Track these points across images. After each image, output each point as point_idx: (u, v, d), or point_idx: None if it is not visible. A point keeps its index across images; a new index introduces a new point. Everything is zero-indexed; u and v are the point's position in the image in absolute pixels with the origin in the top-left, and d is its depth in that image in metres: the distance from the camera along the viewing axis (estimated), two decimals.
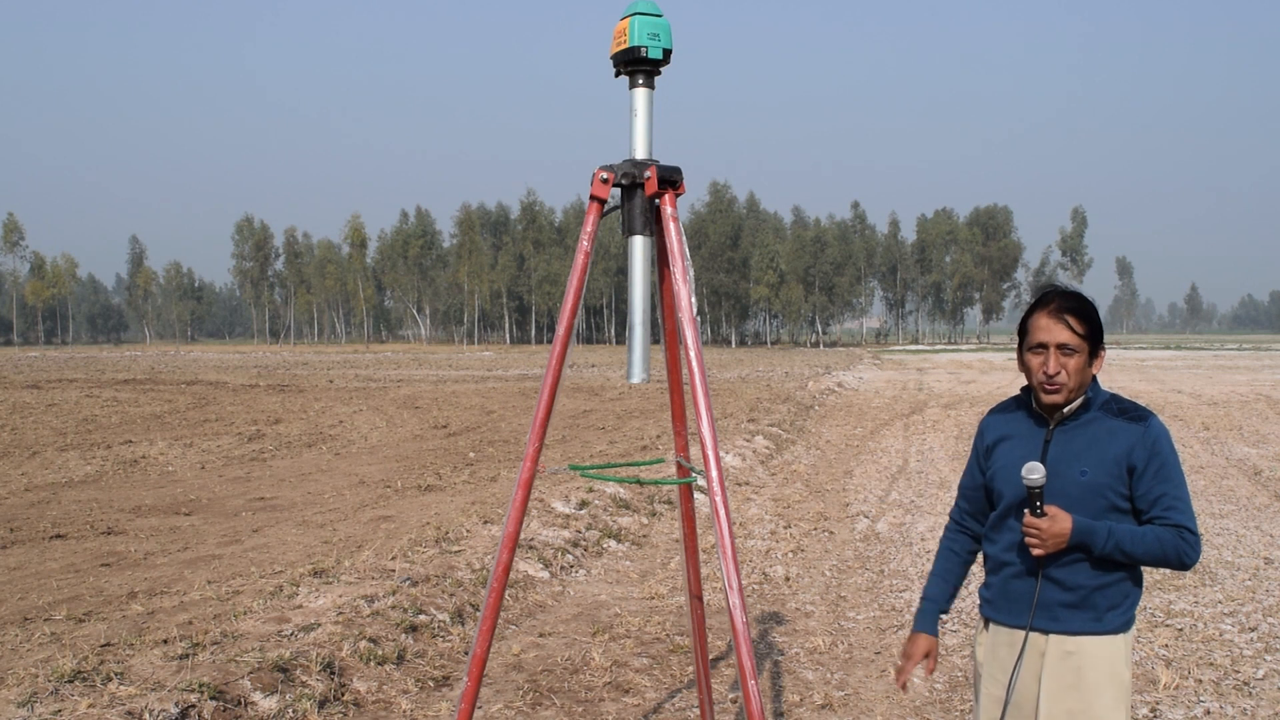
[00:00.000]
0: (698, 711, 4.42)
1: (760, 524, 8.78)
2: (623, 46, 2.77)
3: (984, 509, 2.67)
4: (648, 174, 2.79)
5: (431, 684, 4.78)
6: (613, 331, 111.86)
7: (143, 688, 4.13)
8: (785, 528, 8.59)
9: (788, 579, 6.86)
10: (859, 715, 4.46)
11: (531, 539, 7.27)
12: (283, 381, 34.48)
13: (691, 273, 2.76)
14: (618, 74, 2.87)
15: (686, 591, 3.37)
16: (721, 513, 2.59)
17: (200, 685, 4.11)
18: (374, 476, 11.96)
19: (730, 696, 4.65)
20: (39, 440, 15.95)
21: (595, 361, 53.05)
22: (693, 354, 2.69)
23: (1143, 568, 2.50)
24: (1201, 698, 4.56)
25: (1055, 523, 2.37)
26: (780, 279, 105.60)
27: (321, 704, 4.36)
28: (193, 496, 10.67)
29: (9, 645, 5.35)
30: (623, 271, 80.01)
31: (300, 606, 5.43)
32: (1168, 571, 6.75)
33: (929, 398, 24.38)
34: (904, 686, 2.73)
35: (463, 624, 5.61)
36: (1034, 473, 2.37)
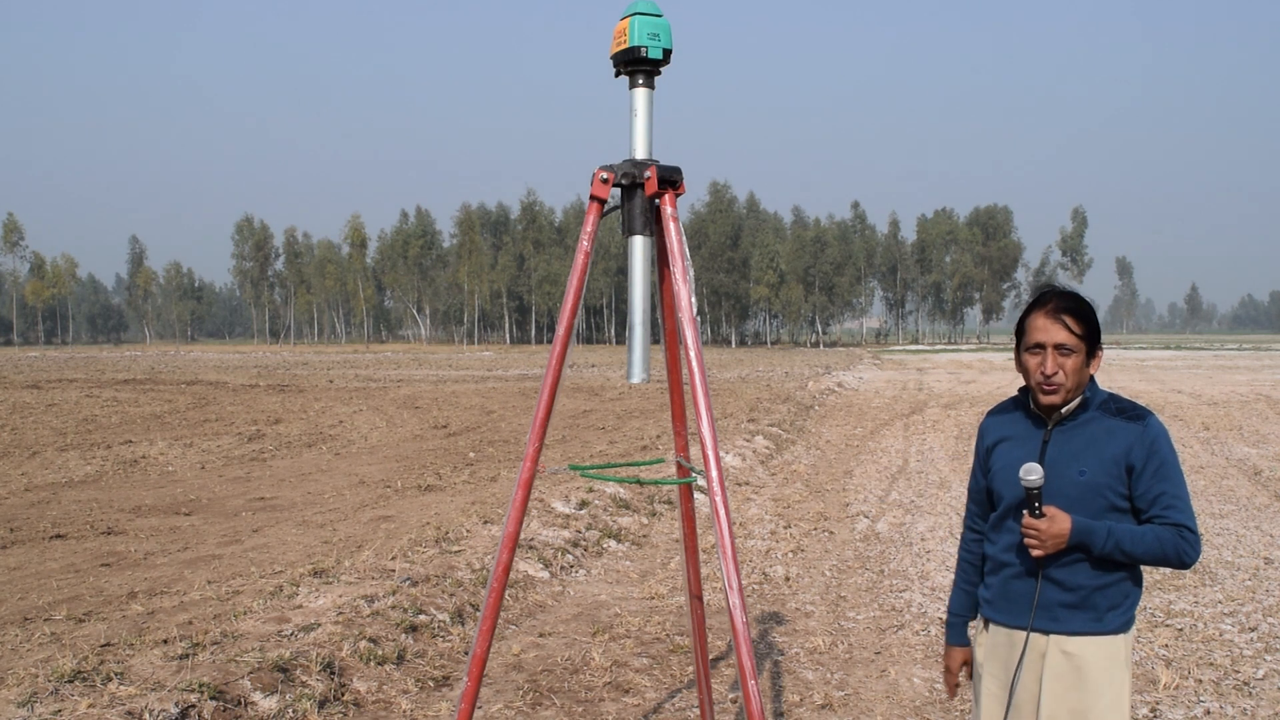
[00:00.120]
0: (698, 711, 4.42)
1: (760, 524, 8.78)
2: (623, 46, 2.77)
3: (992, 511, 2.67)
4: (648, 174, 2.79)
5: (431, 684, 4.78)
6: (613, 331, 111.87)
7: (143, 688, 4.13)
8: (785, 528, 8.59)
9: (788, 579, 6.86)
10: (859, 715, 4.46)
11: (531, 539, 7.27)
12: (283, 381, 34.48)
13: (691, 273, 2.76)
14: (618, 74, 2.87)
15: (686, 591, 3.37)
16: (721, 513, 2.59)
17: (200, 685, 4.11)
18: (374, 476, 11.96)
19: (730, 696, 4.65)
20: (39, 440, 15.95)
21: (595, 361, 53.05)
22: (693, 354, 2.69)
23: (1143, 568, 2.50)
24: (1201, 698, 4.56)
25: (1054, 523, 2.37)
26: (780, 279, 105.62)
27: (321, 704, 4.36)
28: (193, 496, 10.68)
29: (9, 645, 5.35)
30: (623, 271, 79.95)
31: (300, 606, 5.43)
32: (1168, 571, 6.75)
33: (929, 398, 24.38)
34: (954, 692, 2.83)
35: (463, 624, 5.61)
36: (1032, 473, 2.37)
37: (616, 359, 57.19)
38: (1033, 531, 2.39)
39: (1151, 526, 2.39)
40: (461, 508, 9.13)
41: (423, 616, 5.48)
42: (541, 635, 5.61)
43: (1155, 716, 4.38)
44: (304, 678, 4.48)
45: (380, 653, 4.89)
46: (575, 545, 7.52)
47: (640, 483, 3.22)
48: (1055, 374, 2.41)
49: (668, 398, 3.22)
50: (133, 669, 4.39)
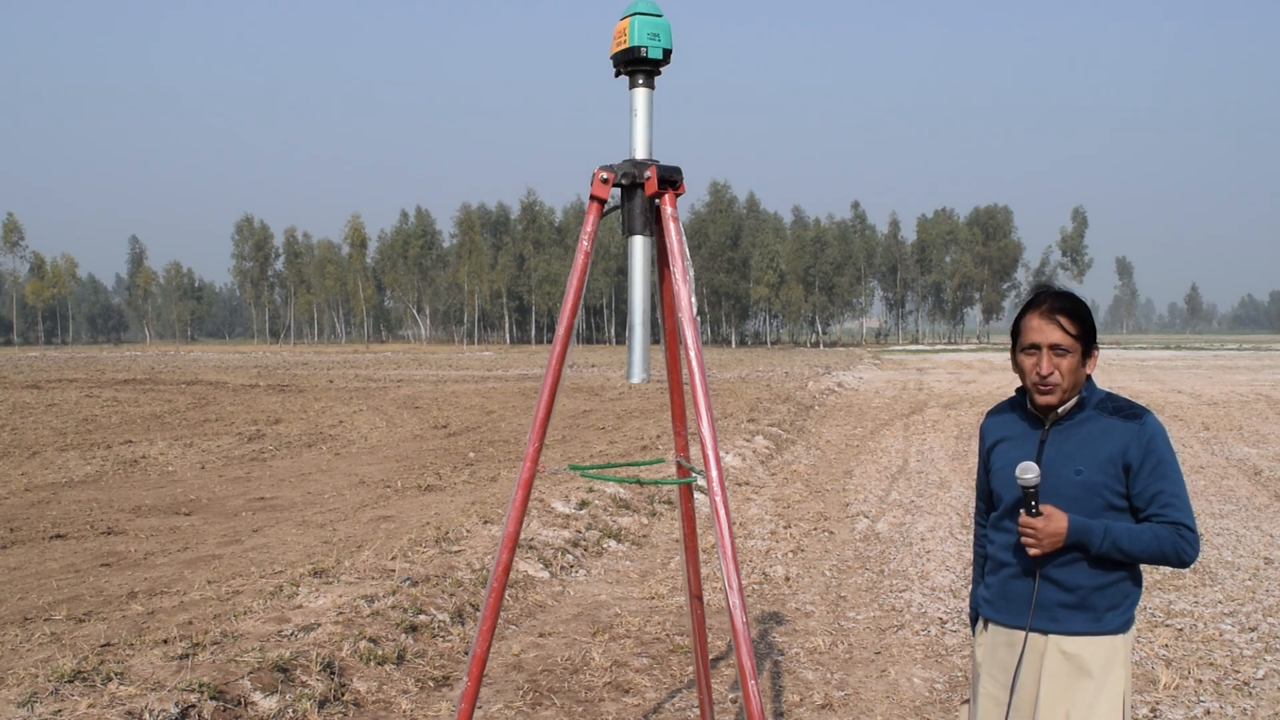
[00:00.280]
0: (698, 711, 4.42)
1: (760, 524, 8.78)
2: (623, 46, 2.77)
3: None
4: (648, 174, 2.79)
5: (431, 684, 4.78)
6: (613, 331, 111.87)
7: (143, 688, 4.13)
8: (785, 528, 8.59)
9: (788, 579, 6.86)
10: (859, 715, 4.46)
11: (531, 539, 7.27)
12: (283, 381, 34.48)
13: (691, 273, 2.76)
14: (618, 74, 2.87)
15: (686, 591, 3.38)
16: (721, 513, 2.59)
17: (200, 685, 4.11)
18: (374, 476, 11.96)
19: (730, 696, 4.66)
20: (39, 440, 15.95)
21: (595, 361, 53.05)
22: (693, 354, 2.69)
23: (1142, 568, 2.50)
24: (1201, 698, 4.56)
25: (1051, 522, 2.37)
26: (780, 279, 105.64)
27: (321, 704, 4.36)
28: (193, 496, 10.68)
29: (9, 645, 5.35)
30: (623, 271, 79.93)
31: (300, 606, 5.43)
32: (1167, 571, 6.75)
33: (929, 398, 24.38)
34: None
35: (463, 624, 5.61)
36: (1028, 472, 2.37)
37: (616, 359, 57.19)
38: (1029, 530, 2.39)
39: (1149, 525, 2.39)
40: (461, 508, 9.14)
41: (423, 616, 5.48)
42: (541, 635, 5.61)
43: (1155, 716, 4.38)
44: (304, 678, 4.48)
45: (380, 653, 4.89)
46: (575, 545, 7.52)
47: (640, 483, 3.22)
48: (1051, 374, 2.41)
49: (668, 398, 3.23)
50: (133, 669, 4.39)
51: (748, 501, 9.99)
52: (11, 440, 15.97)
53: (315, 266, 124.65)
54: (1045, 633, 2.46)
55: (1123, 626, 2.45)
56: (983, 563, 2.73)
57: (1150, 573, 6.56)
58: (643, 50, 2.75)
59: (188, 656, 4.54)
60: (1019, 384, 2.57)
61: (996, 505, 2.58)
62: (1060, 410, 2.47)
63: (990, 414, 2.68)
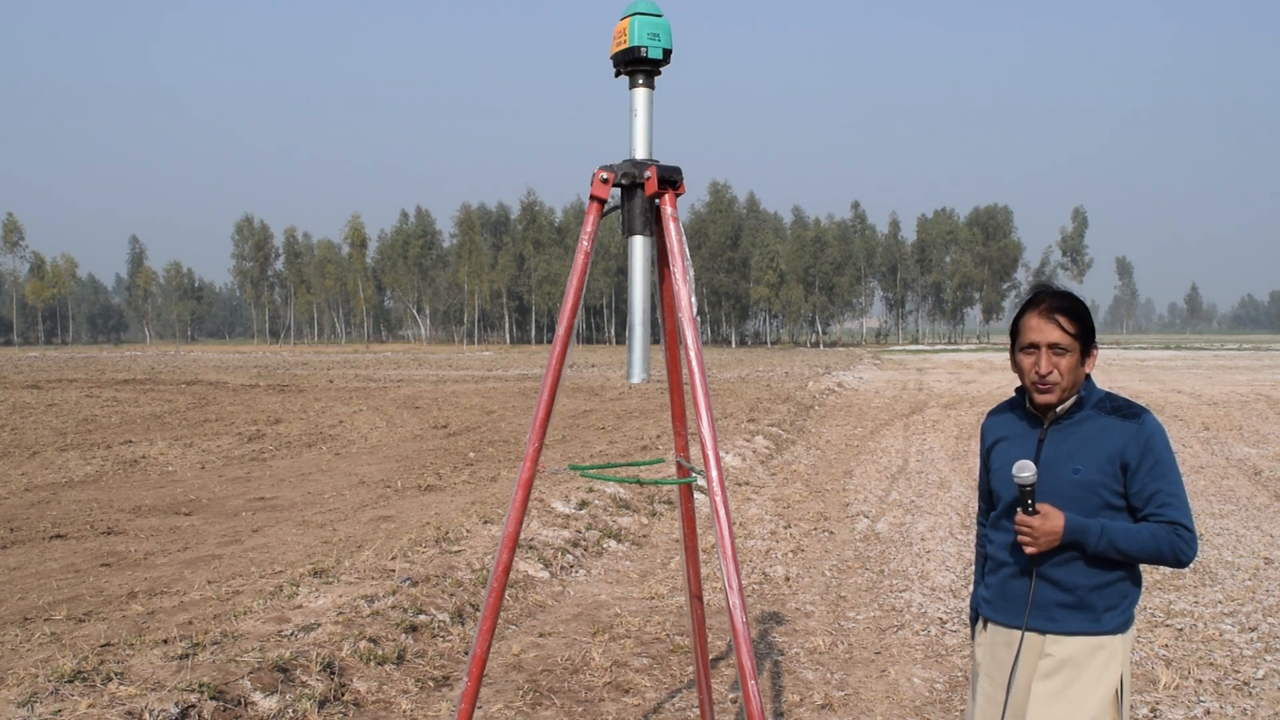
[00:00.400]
0: (698, 711, 4.42)
1: (760, 524, 8.78)
2: (623, 46, 2.77)
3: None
4: (648, 174, 2.79)
5: (431, 684, 4.78)
6: (613, 331, 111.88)
7: (143, 688, 4.13)
8: (785, 528, 8.59)
9: (788, 579, 6.86)
10: (859, 715, 4.46)
11: (531, 539, 7.27)
12: (283, 381, 34.48)
13: (691, 273, 2.76)
14: (618, 74, 2.87)
15: (686, 591, 3.38)
16: (721, 513, 2.59)
17: (200, 685, 4.11)
18: (374, 476, 11.96)
19: (730, 696, 4.66)
20: (39, 440, 15.95)
21: (595, 361, 53.05)
22: (693, 354, 2.69)
23: (1142, 568, 2.49)
24: (1201, 698, 4.56)
25: (1047, 520, 2.37)
26: (780, 279, 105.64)
27: (321, 704, 4.36)
28: (193, 496, 10.68)
29: (9, 645, 5.35)
30: (623, 271, 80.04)
31: (300, 606, 5.44)
32: (1167, 571, 6.75)
33: (929, 398, 24.38)
34: None
35: (463, 624, 5.61)
36: (1024, 471, 2.37)
37: (616, 359, 57.19)
38: (1026, 528, 2.39)
39: (1147, 524, 2.39)
40: (461, 508, 9.14)
41: (423, 616, 5.48)
42: (541, 635, 5.61)
43: (1155, 716, 4.38)
44: (304, 678, 4.48)
45: (380, 653, 4.89)
46: (575, 545, 7.52)
47: (640, 483, 3.22)
48: (1050, 373, 2.42)
49: (668, 398, 3.23)
50: (133, 669, 4.39)
51: (748, 501, 9.99)
52: (11, 440, 15.97)
53: (315, 266, 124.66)
54: (1043, 632, 2.46)
55: (1121, 627, 2.44)
56: (984, 563, 2.73)
57: (1150, 573, 6.56)
58: (643, 50, 2.75)
59: (188, 656, 4.54)
60: (1019, 384, 2.57)
61: (996, 504, 2.59)
62: (1059, 409, 2.47)
63: (990, 414, 2.68)
